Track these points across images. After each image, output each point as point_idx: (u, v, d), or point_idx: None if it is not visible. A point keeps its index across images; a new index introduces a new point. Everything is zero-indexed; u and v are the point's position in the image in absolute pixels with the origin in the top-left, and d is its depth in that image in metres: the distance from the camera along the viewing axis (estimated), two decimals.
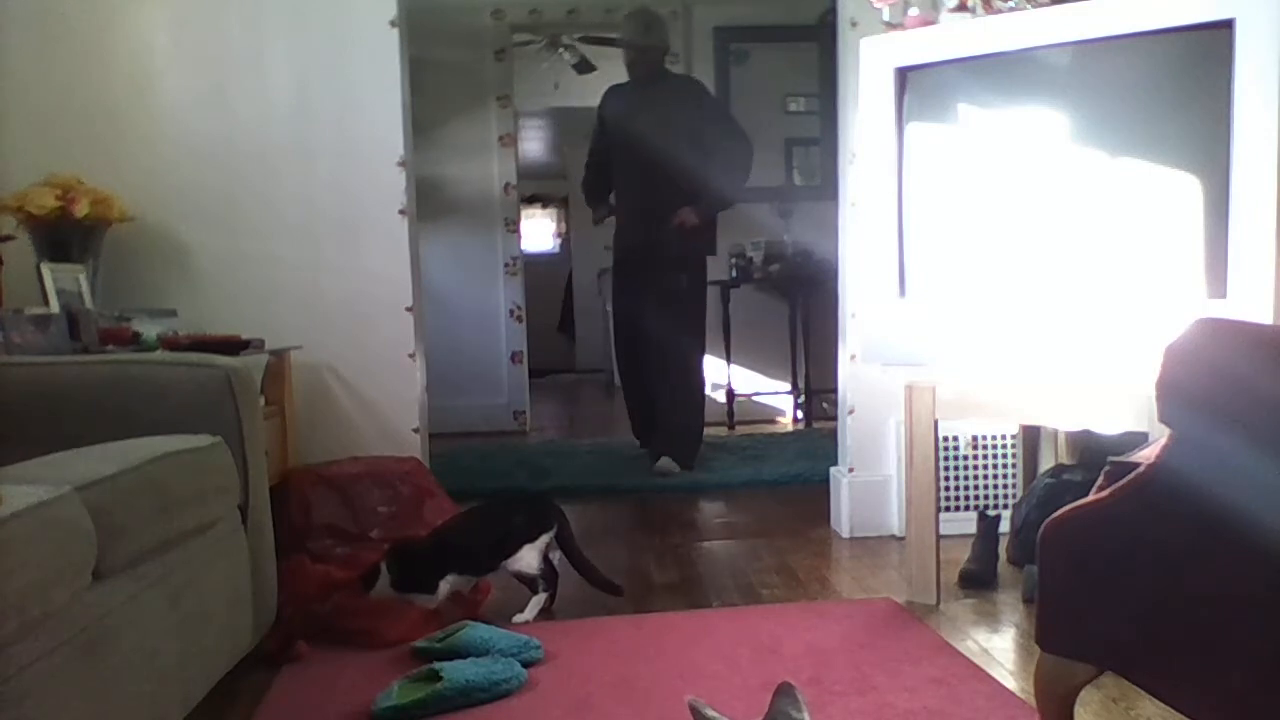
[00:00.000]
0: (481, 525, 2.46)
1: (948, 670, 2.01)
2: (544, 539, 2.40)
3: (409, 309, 3.17)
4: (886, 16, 2.59)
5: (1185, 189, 2.07)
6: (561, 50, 7.04)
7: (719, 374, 5.58)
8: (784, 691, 1.38)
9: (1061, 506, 1.36)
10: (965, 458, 3.11)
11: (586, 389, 8.64)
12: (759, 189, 5.75)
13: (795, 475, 4.02)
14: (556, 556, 2.48)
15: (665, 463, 4.25)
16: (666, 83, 4.50)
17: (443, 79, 5.50)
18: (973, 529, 2.74)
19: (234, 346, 2.67)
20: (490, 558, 2.39)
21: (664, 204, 4.28)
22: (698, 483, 4.06)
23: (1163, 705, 1.38)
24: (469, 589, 2.45)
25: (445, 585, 2.35)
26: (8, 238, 2.75)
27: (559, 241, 11.13)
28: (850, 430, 3.20)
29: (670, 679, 2.00)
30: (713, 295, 4.92)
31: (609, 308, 8.16)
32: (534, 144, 9.95)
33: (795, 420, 5.75)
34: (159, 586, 1.62)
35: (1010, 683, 1.95)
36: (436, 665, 1.94)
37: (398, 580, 2.33)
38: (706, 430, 5.03)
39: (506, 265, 5.79)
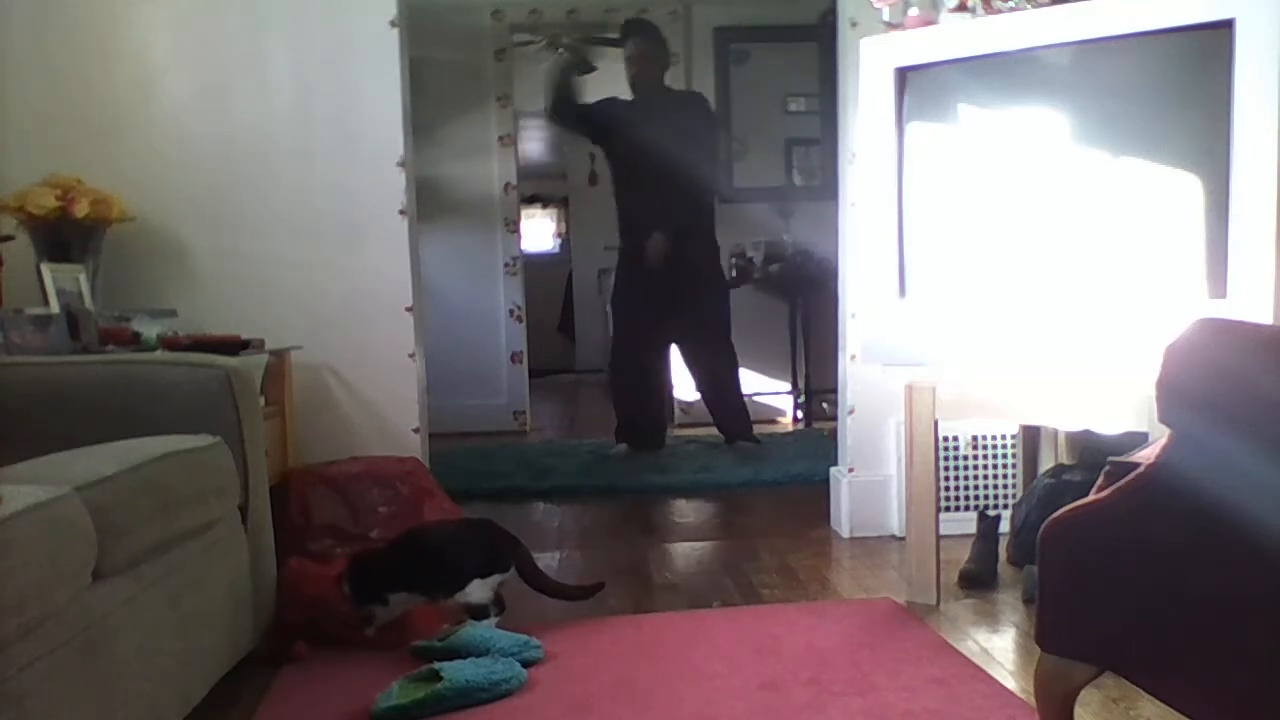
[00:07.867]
0: (435, 551, 2.30)
1: (948, 670, 2.01)
2: (496, 578, 2.26)
3: (409, 309, 3.17)
4: (886, 16, 2.59)
5: (1185, 189, 2.07)
6: (561, 50, 7.03)
7: None
8: None
9: (1061, 506, 1.36)
10: (965, 458, 3.11)
11: (586, 389, 8.62)
12: (759, 189, 5.73)
13: (795, 475, 4.01)
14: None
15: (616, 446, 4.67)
16: (669, 97, 4.67)
17: (443, 79, 5.50)
18: (973, 529, 2.74)
19: (234, 346, 2.67)
20: (440, 588, 2.25)
21: (669, 212, 4.49)
22: (697, 483, 4.06)
23: (1163, 705, 1.38)
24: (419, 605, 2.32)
25: (395, 600, 2.24)
26: (8, 238, 2.75)
27: (559, 241, 11.12)
28: (850, 430, 3.20)
29: (670, 679, 2.00)
30: None
31: (609, 308, 8.18)
32: (534, 144, 9.94)
33: (795, 420, 5.75)
34: (159, 586, 1.63)
35: (1010, 683, 1.95)
36: (436, 665, 1.93)
37: (354, 592, 2.24)
38: (707, 431, 5.03)
39: (506, 265, 5.78)
